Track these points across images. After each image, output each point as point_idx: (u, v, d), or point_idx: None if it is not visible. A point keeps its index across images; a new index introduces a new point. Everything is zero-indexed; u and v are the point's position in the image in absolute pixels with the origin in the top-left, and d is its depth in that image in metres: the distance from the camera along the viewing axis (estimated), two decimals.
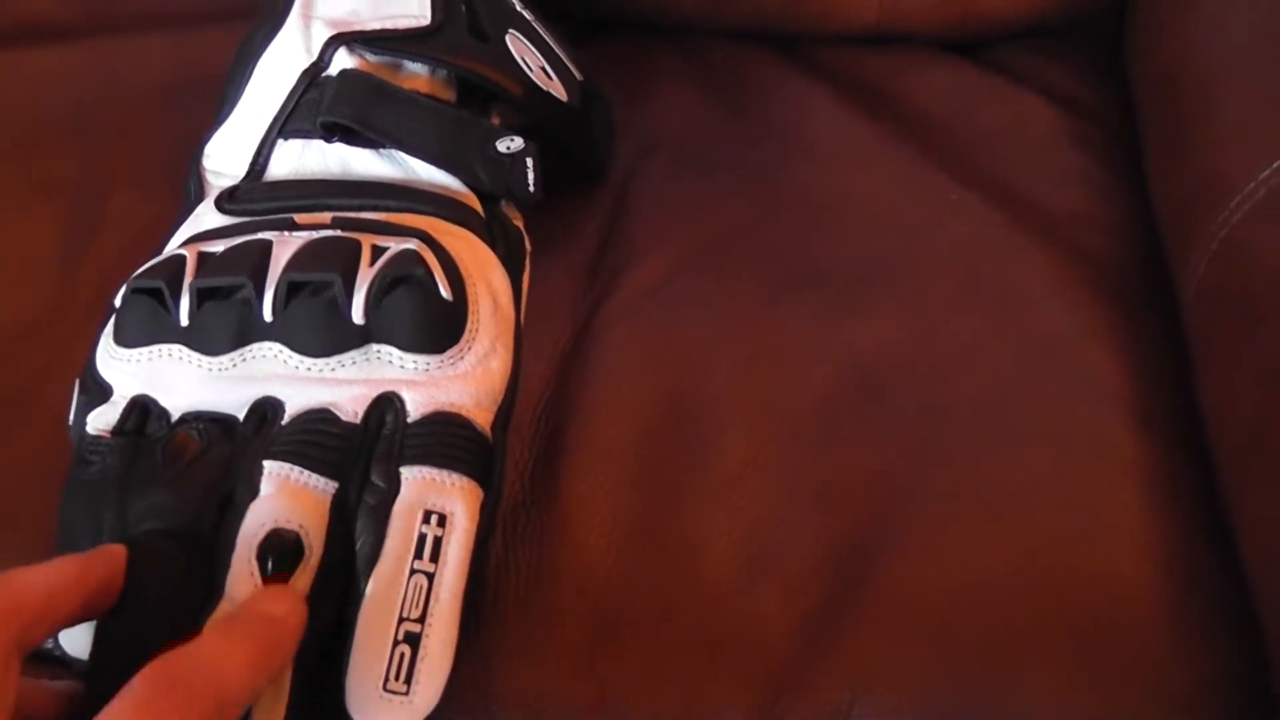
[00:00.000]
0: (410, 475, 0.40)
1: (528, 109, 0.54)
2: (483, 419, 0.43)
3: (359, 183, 0.50)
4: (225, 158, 0.53)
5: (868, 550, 0.46)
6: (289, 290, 0.43)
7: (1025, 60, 0.68)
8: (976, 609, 0.44)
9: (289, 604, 0.37)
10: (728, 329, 0.53)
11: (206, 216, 0.50)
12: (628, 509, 0.47)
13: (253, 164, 0.52)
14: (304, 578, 0.38)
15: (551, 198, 0.52)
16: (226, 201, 0.50)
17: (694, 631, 0.44)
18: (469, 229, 0.48)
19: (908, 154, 0.61)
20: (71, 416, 0.45)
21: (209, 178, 0.53)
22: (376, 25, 0.53)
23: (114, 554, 0.38)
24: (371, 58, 0.52)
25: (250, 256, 0.44)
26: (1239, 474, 0.45)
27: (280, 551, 0.39)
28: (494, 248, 0.48)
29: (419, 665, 0.37)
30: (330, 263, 0.43)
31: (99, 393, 0.45)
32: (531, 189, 0.50)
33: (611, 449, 0.49)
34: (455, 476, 0.41)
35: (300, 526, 0.39)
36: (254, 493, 0.40)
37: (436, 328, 0.43)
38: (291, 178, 0.51)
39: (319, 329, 0.43)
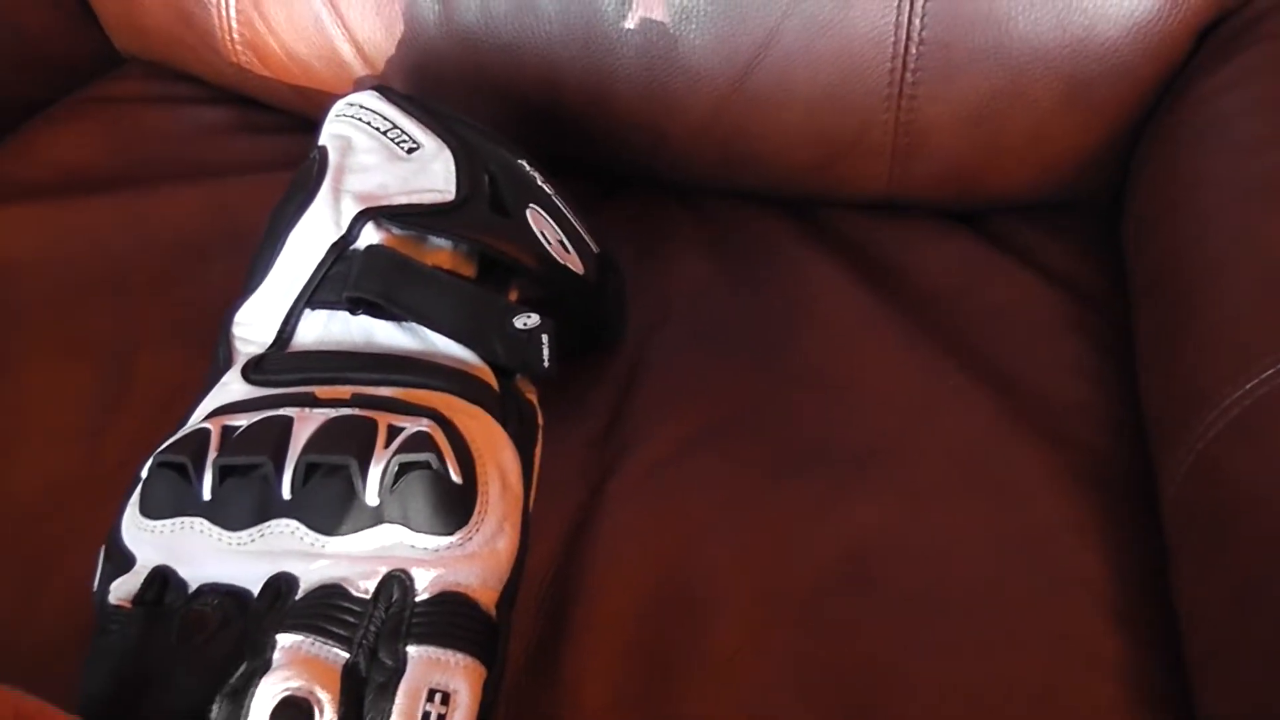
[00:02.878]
0: (416, 654, 0.42)
1: (545, 282, 0.57)
2: (488, 598, 0.44)
3: (379, 356, 0.52)
4: (254, 326, 0.55)
5: None
6: (307, 470, 0.45)
7: (1028, 233, 0.70)
8: None
9: None
10: (729, 510, 0.54)
11: (233, 386, 0.51)
12: (626, 689, 0.48)
13: (280, 332, 0.54)
14: None
15: (565, 368, 0.54)
16: (252, 371, 0.51)
17: None
18: (483, 406, 0.50)
19: (912, 332, 0.63)
20: (95, 584, 0.47)
21: (238, 345, 0.55)
22: (403, 200, 0.55)
23: None
24: (397, 231, 0.54)
25: (271, 434, 0.46)
26: (1205, 685, 0.46)
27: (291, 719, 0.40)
28: (506, 424, 0.50)
29: None
30: (346, 445, 0.45)
31: (122, 561, 0.46)
32: (546, 364, 0.52)
33: (612, 629, 0.50)
34: (459, 656, 0.42)
35: (311, 694, 0.40)
36: (266, 665, 0.42)
37: (446, 511, 0.44)
38: (317, 346, 0.53)
39: (334, 508, 0.44)
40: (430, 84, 0.72)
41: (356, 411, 0.47)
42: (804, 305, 0.65)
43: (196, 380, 0.57)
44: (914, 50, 0.65)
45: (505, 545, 0.46)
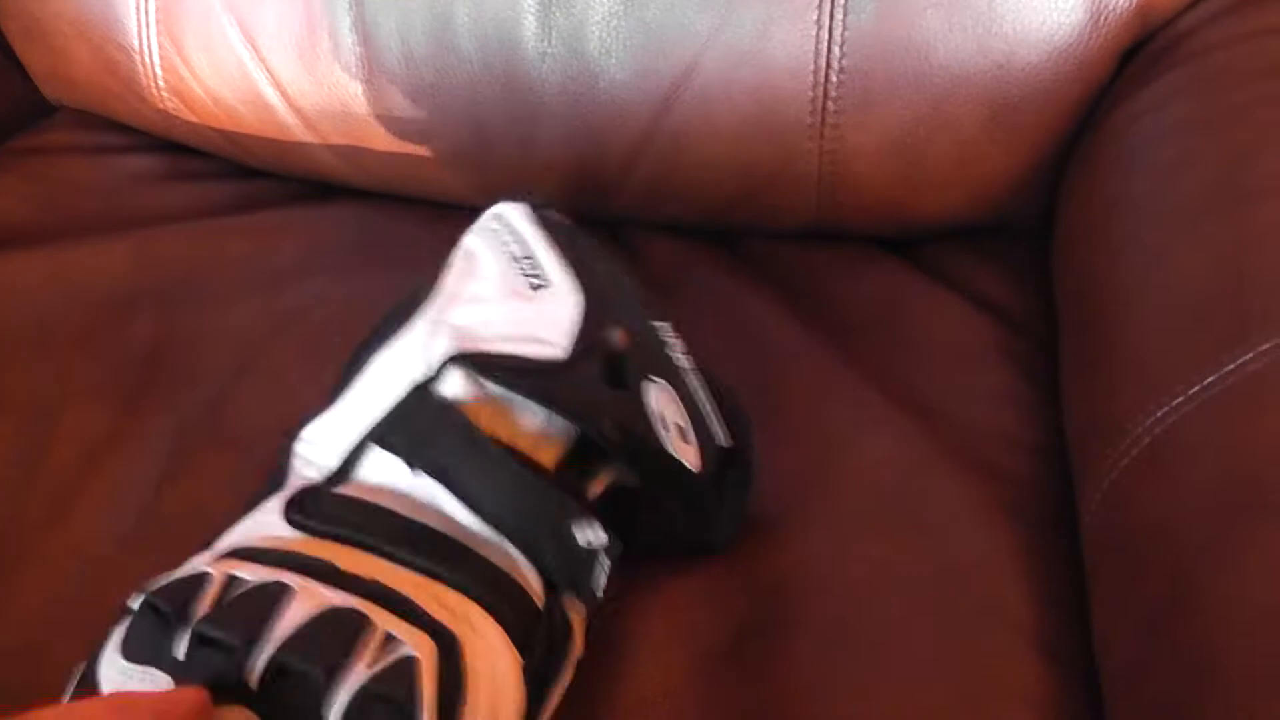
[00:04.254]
0: None
1: (647, 475, 0.50)
2: None
3: (423, 531, 0.47)
4: (319, 447, 0.50)
5: None
6: (277, 667, 0.41)
7: (960, 260, 0.70)
8: None
9: None
10: (651, 552, 0.53)
11: (269, 519, 0.47)
12: None
13: (344, 465, 0.49)
14: None
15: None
16: (294, 511, 0.47)
17: None
18: (508, 627, 0.44)
19: (838, 361, 0.63)
20: None
21: (298, 463, 0.50)
22: (504, 347, 0.50)
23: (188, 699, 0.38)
24: (488, 386, 0.49)
25: (258, 610, 0.41)
26: (1115, 712, 0.46)
27: None
28: (530, 650, 0.45)
29: None
30: (325, 651, 0.40)
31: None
32: (598, 593, 0.47)
33: None
34: None
35: None
36: None
37: None
38: (377, 491, 0.48)
39: (292, 717, 0.40)
40: (355, 126, 0.72)
41: (357, 605, 0.42)
42: (730, 336, 0.64)
43: (120, 436, 0.57)
44: (834, 79, 0.65)
45: None
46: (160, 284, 0.69)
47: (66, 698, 0.43)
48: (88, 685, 0.42)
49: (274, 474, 0.51)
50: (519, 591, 0.46)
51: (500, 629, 0.44)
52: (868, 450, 0.58)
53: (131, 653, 0.42)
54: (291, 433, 0.51)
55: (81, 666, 0.43)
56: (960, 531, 0.54)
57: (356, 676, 0.40)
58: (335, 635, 0.41)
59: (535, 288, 0.53)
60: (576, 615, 0.48)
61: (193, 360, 0.64)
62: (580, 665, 0.49)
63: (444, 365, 0.48)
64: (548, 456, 0.49)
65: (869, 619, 0.51)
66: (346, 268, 0.70)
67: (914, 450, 0.58)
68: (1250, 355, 0.46)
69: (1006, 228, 0.72)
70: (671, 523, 0.52)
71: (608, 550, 0.47)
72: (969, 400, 0.61)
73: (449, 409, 0.48)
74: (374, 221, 0.74)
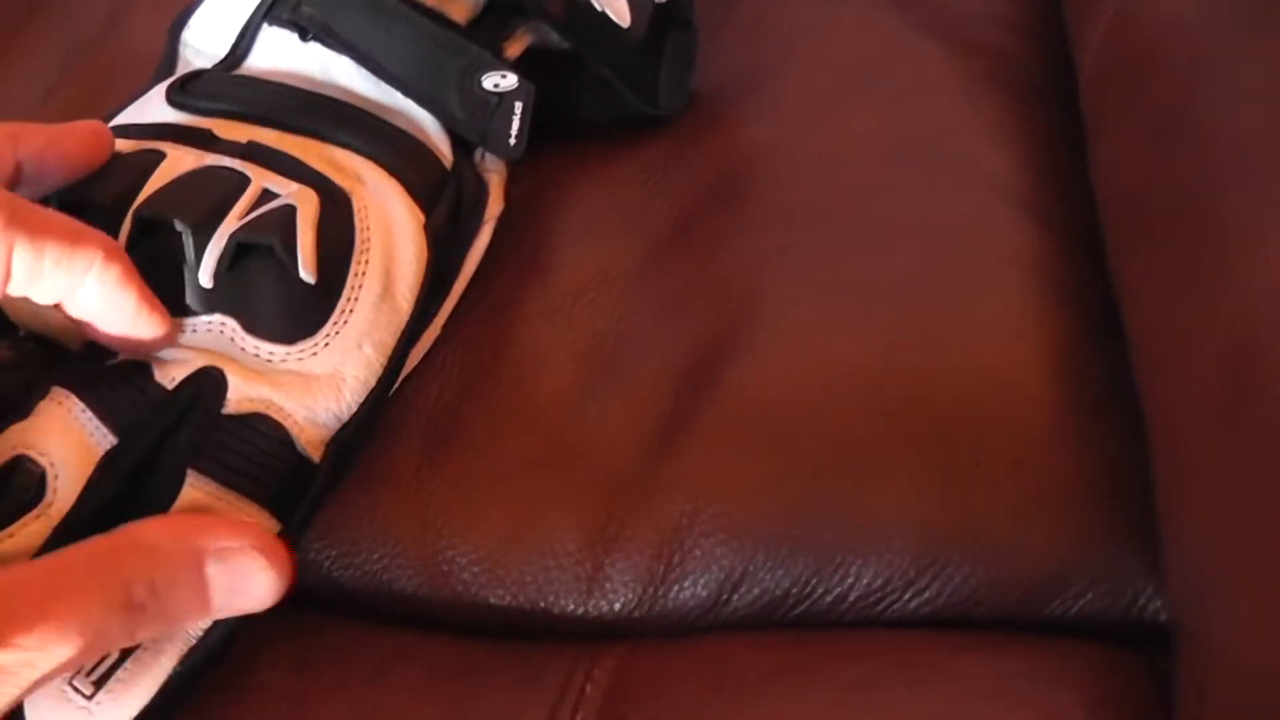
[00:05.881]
0: (194, 483, 0.34)
1: (568, 31, 0.46)
2: (313, 437, 0.37)
3: (315, 99, 0.43)
4: (207, 34, 0.46)
5: (717, 356, 0.42)
6: (145, 226, 0.37)
7: None
8: (830, 409, 0.40)
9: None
10: (585, 153, 0.49)
11: (152, 104, 0.43)
12: (467, 326, 0.44)
13: (234, 48, 0.45)
14: (36, 525, 0.32)
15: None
16: (176, 92, 0.43)
17: (526, 448, 0.40)
18: (407, 183, 0.41)
19: None
20: None
21: (188, 54, 0.46)
22: None
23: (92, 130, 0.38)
24: None
25: (128, 174, 0.38)
26: (1123, 244, 0.42)
27: (15, 484, 0.33)
28: (432, 211, 0.41)
29: (117, 674, 0.33)
30: (189, 209, 0.36)
31: None
32: (513, 141, 0.43)
33: None
34: (243, 501, 0.35)
35: (52, 465, 0.33)
36: (22, 414, 0.34)
37: (288, 313, 0.37)
38: (270, 72, 0.44)
39: (165, 281, 0.36)
40: None
41: (233, 164, 0.39)
42: None
43: (7, 55, 0.56)
44: None
45: (359, 373, 0.38)
46: None
47: None
48: None
49: (161, 67, 0.47)
50: (422, 150, 0.43)
51: (399, 185, 0.41)
52: (837, 35, 0.53)
53: None
54: (177, 23, 0.47)
55: None
56: (942, 103, 0.50)
57: (228, 229, 0.36)
58: (206, 190, 0.38)
59: None
60: (496, 175, 0.46)
61: None
62: (511, 251, 0.46)
63: None
64: (459, 13, 0.45)
65: (838, 191, 0.47)
66: None
67: (889, 33, 0.53)
68: None
69: None
70: (607, 90, 0.48)
71: (519, 94, 0.43)
72: None
73: None
74: None
